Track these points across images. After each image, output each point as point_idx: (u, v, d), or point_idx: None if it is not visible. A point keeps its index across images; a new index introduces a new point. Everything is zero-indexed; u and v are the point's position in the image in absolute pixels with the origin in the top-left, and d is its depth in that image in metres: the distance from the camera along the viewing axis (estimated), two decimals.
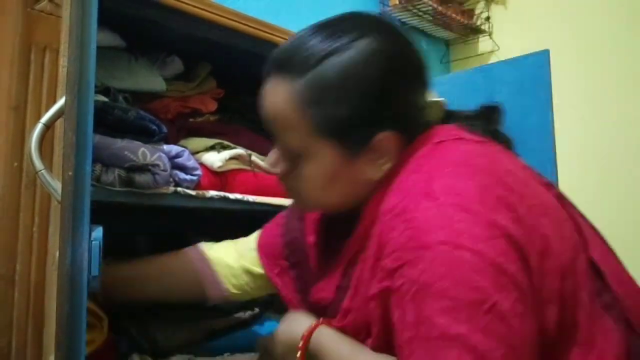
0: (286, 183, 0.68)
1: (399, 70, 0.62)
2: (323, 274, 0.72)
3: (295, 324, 0.70)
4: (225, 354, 1.05)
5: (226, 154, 1.04)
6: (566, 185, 1.48)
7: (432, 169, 0.57)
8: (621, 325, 0.55)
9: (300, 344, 0.66)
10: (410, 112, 0.64)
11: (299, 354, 0.66)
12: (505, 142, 0.70)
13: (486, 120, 0.73)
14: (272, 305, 1.29)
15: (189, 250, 0.92)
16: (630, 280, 0.64)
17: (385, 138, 0.61)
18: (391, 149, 0.62)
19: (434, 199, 0.52)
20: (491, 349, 0.45)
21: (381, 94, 0.60)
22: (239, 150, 1.08)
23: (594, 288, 0.56)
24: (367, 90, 0.60)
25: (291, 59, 0.62)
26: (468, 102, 1.28)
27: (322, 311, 0.70)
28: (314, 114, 0.60)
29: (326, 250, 0.74)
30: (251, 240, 0.92)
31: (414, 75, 0.65)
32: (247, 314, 1.10)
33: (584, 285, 0.55)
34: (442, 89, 1.31)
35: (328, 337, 0.65)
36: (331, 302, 0.68)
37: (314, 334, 0.66)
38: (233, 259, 0.90)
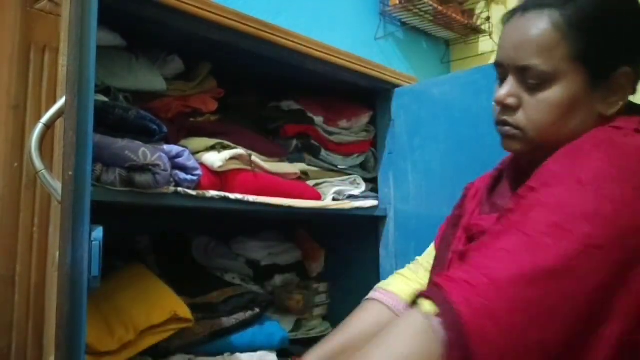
0: (515, 117, 0.69)
1: None
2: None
3: None
4: (226, 354, 1.05)
5: (226, 154, 1.04)
6: None
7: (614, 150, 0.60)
8: None
9: None
10: None
11: None
12: None
13: None
14: (273, 305, 1.30)
15: (372, 304, 0.84)
16: None
17: (625, 74, 0.66)
18: (625, 87, 0.66)
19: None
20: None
21: (633, 30, 0.66)
22: (239, 151, 1.08)
23: None
24: (623, 23, 0.65)
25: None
26: (469, 102, 1.28)
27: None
28: (574, 39, 0.65)
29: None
30: (423, 261, 0.88)
31: None
32: (248, 314, 1.10)
33: None
34: (443, 89, 1.32)
35: None
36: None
37: None
38: (416, 283, 0.86)
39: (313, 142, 1.30)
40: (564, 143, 0.64)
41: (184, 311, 0.95)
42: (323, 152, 1.31)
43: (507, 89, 0.69)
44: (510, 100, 0.69)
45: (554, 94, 0.66)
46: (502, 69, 0.72)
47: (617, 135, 0.62)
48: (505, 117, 0.70)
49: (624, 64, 0.65)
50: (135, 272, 1.04)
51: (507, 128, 0.70)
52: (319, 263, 1.44)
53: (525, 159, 0.72)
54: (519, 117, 0.68)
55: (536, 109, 0.67)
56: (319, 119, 1.31)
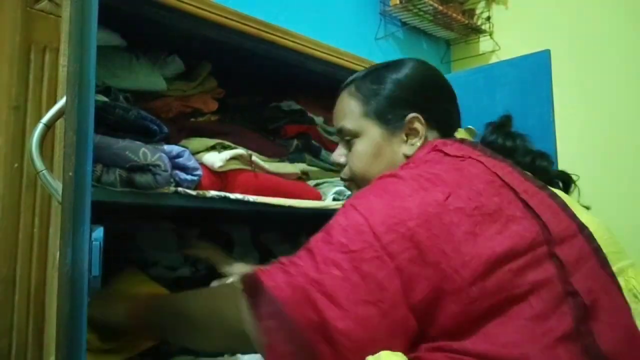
0: (345, 171, 0.88)
1: (429, 81, 0.86)
2: None
3: None
4: (226, 355, 1.05)
5: (227, 154, 1.04)
6: None
7: (406, 166, 0.74)
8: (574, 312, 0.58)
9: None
10: (437, 109, 0.85)
11: None
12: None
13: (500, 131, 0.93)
14: None
15: None
16: (607, 288, 0.64)
17: (415, 119, 0.81)
18: (421, 131, 0.81)
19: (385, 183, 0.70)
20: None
21: (411, 85, 0.84)
22: (240, 151, 1.08)
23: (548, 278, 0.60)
24: (401, 84, 0.83)
25: (354, 79, 0.89)
26: (469, 102, 1.28)
27: None
28: (363, 102, 0.84)
29: None
30: None
31: (441, 87, 0.88)
32: None
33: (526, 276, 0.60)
34: None
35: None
36: None
37: None
38: None
39: (313, 142, 1.30)
40: None
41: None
42: (323, 152, 1.31)
43: (337, 151, 0.90)
44: (338, 159, 0.89)
45: (360, 145, 0.84)
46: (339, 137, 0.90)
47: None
48: (341, 175, 0.90)
49: (410, 112, 0.81)
50: (128, 274, 1.04)
51: (344, 183, 0.90)
52: None
53: None
54: (346, 171, 0.88)
55: (352, 160, 0.85)
56: (319, 119, 1.31)
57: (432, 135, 0.83)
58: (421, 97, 0.83)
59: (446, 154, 0.74)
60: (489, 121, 0.93)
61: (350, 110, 0.85)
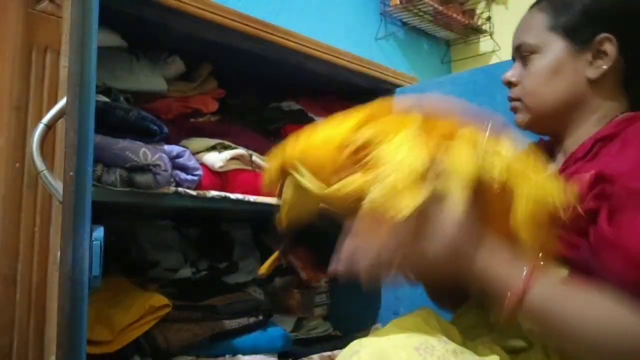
0: (515, 90, 0.79)
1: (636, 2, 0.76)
2: None
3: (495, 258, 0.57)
4: (227, 355, 1.05)
5: (227, 154, 1.04)
6: None
7: None
8: None
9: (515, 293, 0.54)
10: (637, 36, 0.74)
11: (507, 304, 0.54)
12: None
13: None
14: (276, 311, 1.29)
15: None
16: None
17: (606, 39, 0.72)
18: (610, 52, 0.73)
19: None
20: None
21: (613, 3, 0.75)
22: (240, 151, 1.08)
23: None
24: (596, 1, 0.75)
25: None
26: (469, 102, 1.28)
27: None
28: (552, 14, 0.76)
29: None
30: None
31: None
32: (252, 320, 1.10)
33: None
34: (444, 90, 1.31)
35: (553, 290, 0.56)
36: None
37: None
38: None
39: None
40: (557, 105, 0.74)
41: (158, 299, 0.95)
42: None
43: (510, 71, 0.80)
44: (509, 77, 0.80)
45: (540, 62, 0.76)
46: (514, 57, 0.82)
47: None
48: (509, 94, 0.80)
49: (604, 32, 0.73)
50: (111, 279, 1.05)
51: (511, 103, 0.80)
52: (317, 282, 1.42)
53: (541, 141, 0.82)
54: (517, 89, 0.79)
55: (528, 79, 0.77)
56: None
57: (621, 73, 0.74)
58: (621, 18, 0.74)
59: None
60: None
61: (535, 23, 0.78)
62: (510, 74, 0.80)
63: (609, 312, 0.54)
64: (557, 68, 0.75)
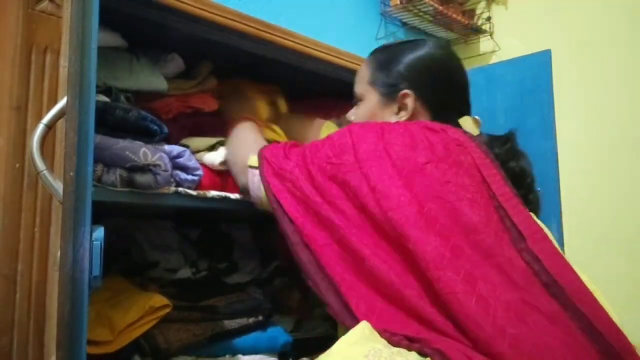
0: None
1: (437, 65, 0.95)
2: None
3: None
4: (227, 355, 1.05)
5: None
6: (567, 185, 1.48)
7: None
8: None
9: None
10: (436, 92, 0.94)
11: None
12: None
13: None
14: (276, 311, 1.29)
15: None
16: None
17: (407, 95, 0.92)
18: (410, 107, 0.91)
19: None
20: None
21: (417, 66, 0.94)
22: None
23: None
24: (409, 63, 0.94)
25: (377, 50, 1.04)
26: (471, 103, 1.28)
27: None
28: (371, 71, 0.98)
29: None
30: None
31: (448, 73, 0.96)
32: (252, 320, 1.10)
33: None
34: None
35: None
36: None
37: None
38: None
39: None
40: None
41: (158, 299, 0.95)
42: None
43: (351, 110, 1.02)
44: (350, 117, 1.01)
45: (361, 109, 0.98)
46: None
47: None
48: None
49: (405, 88, 0.92)
50: (111, 279, 1.05)
51: None
52: None
53: None
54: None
55: (355, 121, 0.98)
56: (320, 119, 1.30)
57: (424, 116, 0.92)
58: (423, 79, 0.92)
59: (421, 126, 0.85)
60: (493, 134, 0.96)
61: (362, 76, 0.99)
62: (350, 114, 1.02)
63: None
64: (371, 116, 0.95)
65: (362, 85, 0.98)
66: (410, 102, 0.91)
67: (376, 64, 0.97)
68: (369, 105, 0.96)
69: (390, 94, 0.93)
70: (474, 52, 2.45)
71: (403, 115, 0.91)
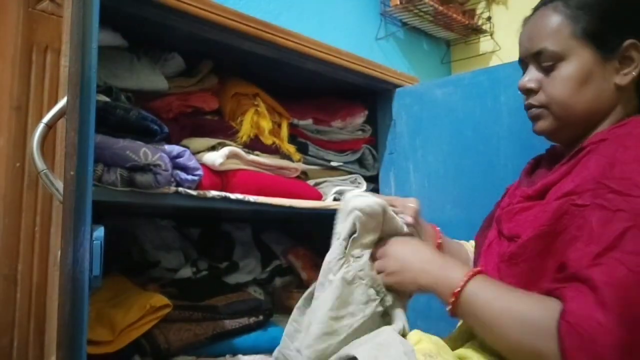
0: (536, 97, 0.77)
1: None
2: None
3: (443, 266, 0.69)
4: (227, 355, 1.05)
5: (226, 150, 1.04)
6: None
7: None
8: None
9: (455, 290, 0.65)
10: None
11: (451, 301, 0.65)
12: None
13: None
14: (276, 311, 1.29)
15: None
16: None
17: (632, 46, 0.73)
18: (636, 58, 0.73)
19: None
20: None
21: (633, 5, 0.74)
22: (239, 148, 1.08)
23: None
24: (621, 1, 0.74)
25: None
26: (472, 104, 1.28)
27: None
28: (576, 20, 0.74)
29: None
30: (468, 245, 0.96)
31: None
32: (252, 320, 1.10)
33: None
34: (445, 90, 1.32)
35: (485, 287, 0.65)
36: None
37: (471, 283, 0.65)
38: None
39: (300, 139, 1.29)
40: (586, 115, 0.73)
41: (159, 299, 0.95)
42: (312, 147, 1.30)
43: (527, 76, 0.78)
44: (530, 84, 0.77)
45: (566, 70, 0.74)
46: (524, 63, 0.79)
47: None
48: (530, 101, 0.78)
49: (629, 37, 0.72)
50: (112, 279, 1.04)
51: (532, 109, 0.78)
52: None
53: (559, 144, 0.81)
54: (540, 96, 0.76)
55: (553, 86, 0.75)
56: (305, 122, 1.30)
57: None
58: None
59: None
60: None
61: (555, 29, 0.75)
62: (528, 80, 0.77)
63: (521, 303, 0.62)
64: (587, 77, 0.73)
65: (558, 40, 0.75)
66: (636, 54, 0.73)
67: (573, 10, 0.75)
68: (579, 65, 0.74)
69: (609, 45, 0.73)
70: (474, 52, 2.44)
71: (630, 72, 0.73)
